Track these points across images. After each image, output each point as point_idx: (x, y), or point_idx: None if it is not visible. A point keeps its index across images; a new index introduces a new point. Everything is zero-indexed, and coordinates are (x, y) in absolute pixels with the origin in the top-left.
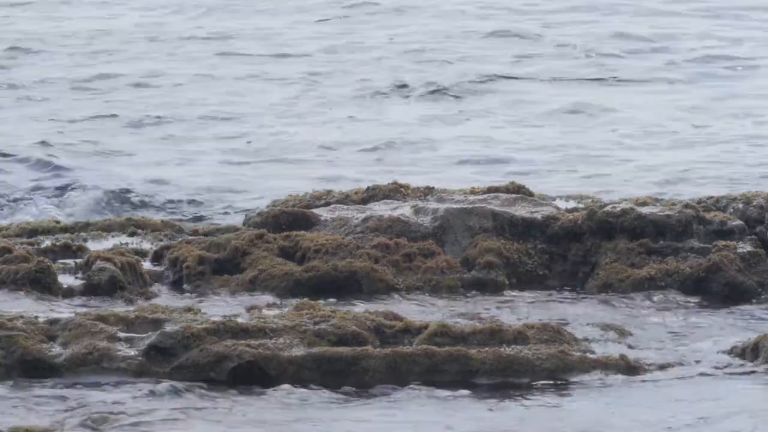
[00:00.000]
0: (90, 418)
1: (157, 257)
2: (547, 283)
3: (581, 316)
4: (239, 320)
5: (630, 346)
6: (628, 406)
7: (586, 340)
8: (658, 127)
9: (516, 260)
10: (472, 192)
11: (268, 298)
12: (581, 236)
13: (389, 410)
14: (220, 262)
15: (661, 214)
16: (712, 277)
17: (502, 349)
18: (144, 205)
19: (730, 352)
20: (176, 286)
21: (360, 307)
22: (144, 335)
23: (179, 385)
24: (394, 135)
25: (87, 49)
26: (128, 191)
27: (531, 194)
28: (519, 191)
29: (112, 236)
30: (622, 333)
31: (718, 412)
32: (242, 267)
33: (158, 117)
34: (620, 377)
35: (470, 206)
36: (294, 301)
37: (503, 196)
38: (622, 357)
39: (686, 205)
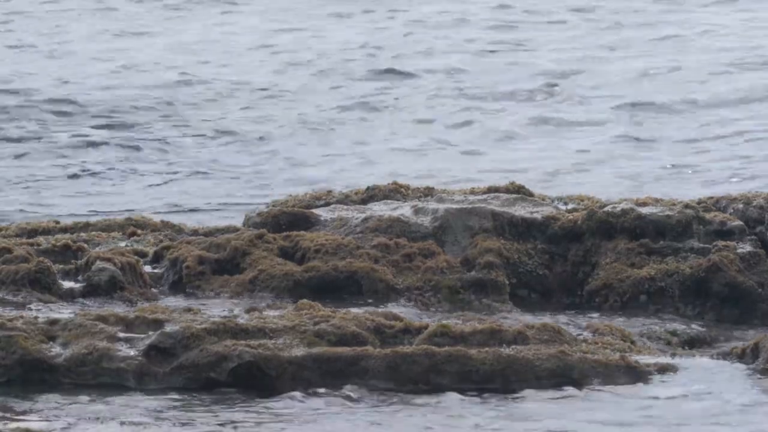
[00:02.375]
0: None
1: (157, 257)
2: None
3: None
4: (239, 320)
5: (630, 348)
6: (631, 404)
7: (586, 341)
8: None
9: (516, 260)
10: (472, 192)
11: (268, 298)
12: (581, 236)
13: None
14: (220, 263)
15: (661, 214)
16: (712, 277)
17: (502, 349)
18: None
19: (730, 353)
20: (176, 286)
21: (360, 308)
22: (144, 335)
23: None
24: None
25: None
26: None
27: (531, 194)
28: (519, 191)
29: (112, 236)
30: (623, 334)
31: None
32: (242, 267)
33: None
34: (620, 378)
35: (470, 206)
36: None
37: (503, 196)
38: (623, 358)
39: (686, 206)
